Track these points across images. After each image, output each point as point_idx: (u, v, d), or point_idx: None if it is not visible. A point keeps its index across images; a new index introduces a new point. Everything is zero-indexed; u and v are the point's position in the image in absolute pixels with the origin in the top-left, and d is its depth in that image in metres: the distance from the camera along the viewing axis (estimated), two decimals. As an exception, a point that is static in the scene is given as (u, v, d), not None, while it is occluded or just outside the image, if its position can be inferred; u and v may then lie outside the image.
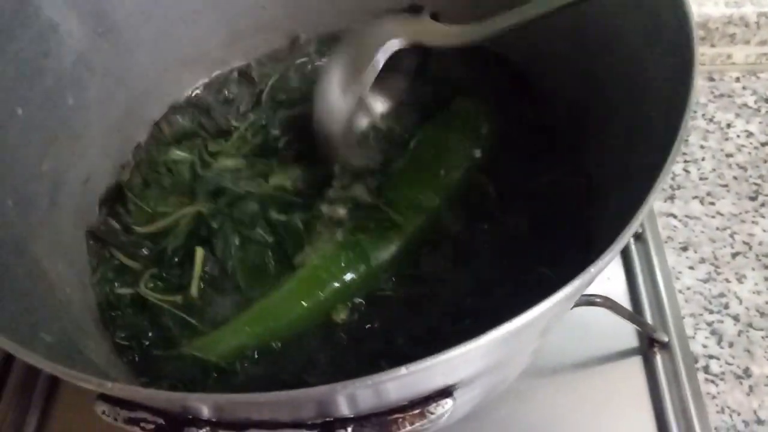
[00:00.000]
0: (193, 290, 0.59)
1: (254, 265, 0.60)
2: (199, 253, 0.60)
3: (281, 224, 0.61)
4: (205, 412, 0.36)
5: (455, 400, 0.37)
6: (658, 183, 0.38)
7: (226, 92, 0.74)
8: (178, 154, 0.69)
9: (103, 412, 0.38)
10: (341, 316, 0.57)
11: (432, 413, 0.36)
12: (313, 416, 0.37)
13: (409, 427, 0.37)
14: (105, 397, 0.38)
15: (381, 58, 0.56)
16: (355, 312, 0.57)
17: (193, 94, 0.74)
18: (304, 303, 0.56)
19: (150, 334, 0.58)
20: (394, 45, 0.56)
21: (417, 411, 0.36)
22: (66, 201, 0.61)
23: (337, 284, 0.56)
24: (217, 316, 0.58)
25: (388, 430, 0.37)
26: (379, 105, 0.63)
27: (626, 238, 0.36)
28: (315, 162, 0.64)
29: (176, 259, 0.61)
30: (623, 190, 0.49)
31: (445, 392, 0.37)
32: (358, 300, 0.57)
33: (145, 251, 0.63)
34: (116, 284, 0.61)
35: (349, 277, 0.57)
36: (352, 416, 0.36)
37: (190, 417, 0.37)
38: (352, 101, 0.56)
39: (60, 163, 0.60)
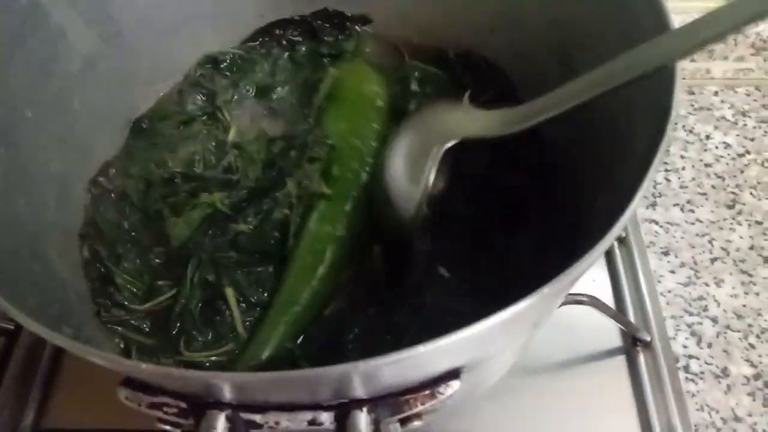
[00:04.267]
0: (241, 330, 0.58)
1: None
2: (231, 293, 0.59)
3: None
4: (227, 392, 0.37)
5: (462, 381, 0.39)
6: (639, 192, 0.39)
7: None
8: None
9: (126, 398, 0.40)
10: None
11: (441, 393, 0.38)
12: (330, 398, 0.38)
13: (420, 407, 0.38)
14: (128, 383, 0.40)
15: (437, 155, 0.58)
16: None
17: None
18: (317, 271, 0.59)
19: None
20: (449, 143, 0.58)
21: (428, 392, 0.38)
22: (72, 205, 0.62)
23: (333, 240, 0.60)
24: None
25: (400, 410, 0.39)
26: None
27: (612, 236, 0.38)
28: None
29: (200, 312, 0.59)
30: (609, 192, 0.51)
31: (454, 374, 0.39)
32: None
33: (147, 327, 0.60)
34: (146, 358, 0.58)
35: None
36: (366, 397, 0.38)
37: (212, 400, 0.38)
38: (421, 190, 0.58)
39: (67, 166, 0.61)
